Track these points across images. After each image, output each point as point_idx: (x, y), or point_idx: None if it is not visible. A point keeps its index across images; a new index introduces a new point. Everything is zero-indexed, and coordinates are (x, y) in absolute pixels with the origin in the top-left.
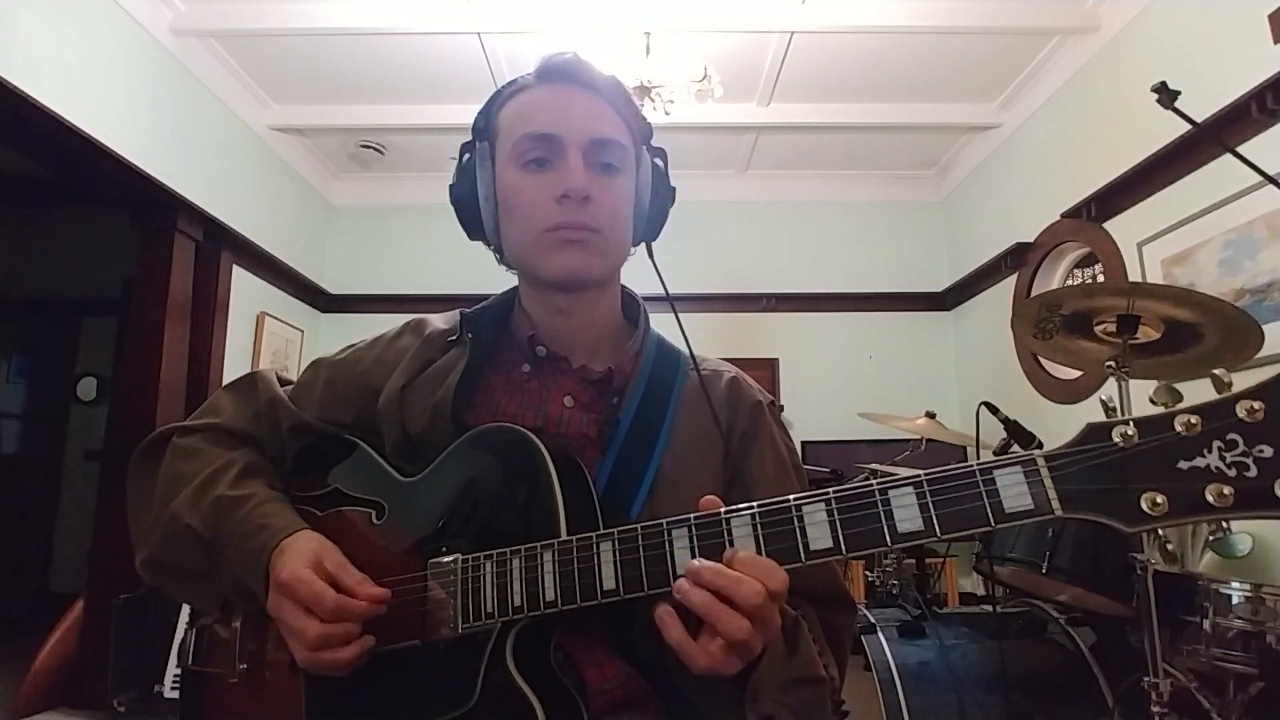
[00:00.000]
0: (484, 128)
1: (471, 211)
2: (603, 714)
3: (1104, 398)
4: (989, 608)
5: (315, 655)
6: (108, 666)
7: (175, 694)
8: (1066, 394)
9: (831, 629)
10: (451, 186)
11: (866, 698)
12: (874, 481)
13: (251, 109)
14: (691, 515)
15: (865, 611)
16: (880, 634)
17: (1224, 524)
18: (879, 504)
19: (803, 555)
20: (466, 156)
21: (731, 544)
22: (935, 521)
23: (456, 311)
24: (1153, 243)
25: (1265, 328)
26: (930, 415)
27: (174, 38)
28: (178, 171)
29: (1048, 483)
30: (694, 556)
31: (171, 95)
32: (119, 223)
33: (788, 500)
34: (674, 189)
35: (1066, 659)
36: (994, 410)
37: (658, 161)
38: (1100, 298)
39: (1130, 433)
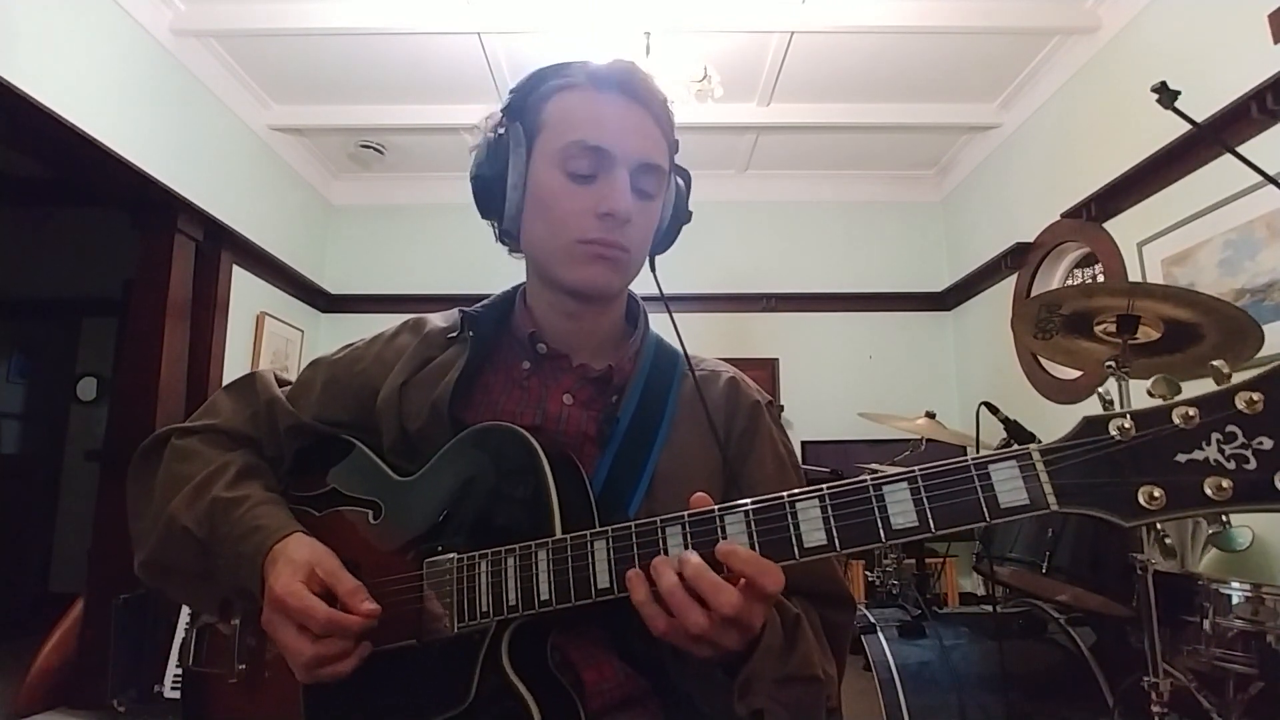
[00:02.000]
0: (521, 109)
1: (494, 194)
2: (600, 714)
3: (1101, 390)
4: (989, 608)
5: (313, 674)
6: (108, 666)
7: (175, 694)
8: (1066, 394)
9: (831, 627)
10: (480, 163)
11: (867, 698)
12: (868, 477)
13: (251, 109)
14: (686, 513)
15: (865, 611)
16: (880, 634)
17: (1223, 517)
18: (873, 500)
19: (797, 552)
20: (498, 133)
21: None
22: (930, 516)
23: (456, 310)
24: (1153, 243)
25: (1265, 328)
26: (930, 415)
27: (174, 38)
28: (178, 171)
29: (1043, 477)
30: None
31: (171, 95)
32: (119, 223)
33: (781, 497)
34: (691, 213)
35: (1066, 659)
36: (994, 410)
37: (680, 183)
38: (1100, 298)
39: (1127, 426)
